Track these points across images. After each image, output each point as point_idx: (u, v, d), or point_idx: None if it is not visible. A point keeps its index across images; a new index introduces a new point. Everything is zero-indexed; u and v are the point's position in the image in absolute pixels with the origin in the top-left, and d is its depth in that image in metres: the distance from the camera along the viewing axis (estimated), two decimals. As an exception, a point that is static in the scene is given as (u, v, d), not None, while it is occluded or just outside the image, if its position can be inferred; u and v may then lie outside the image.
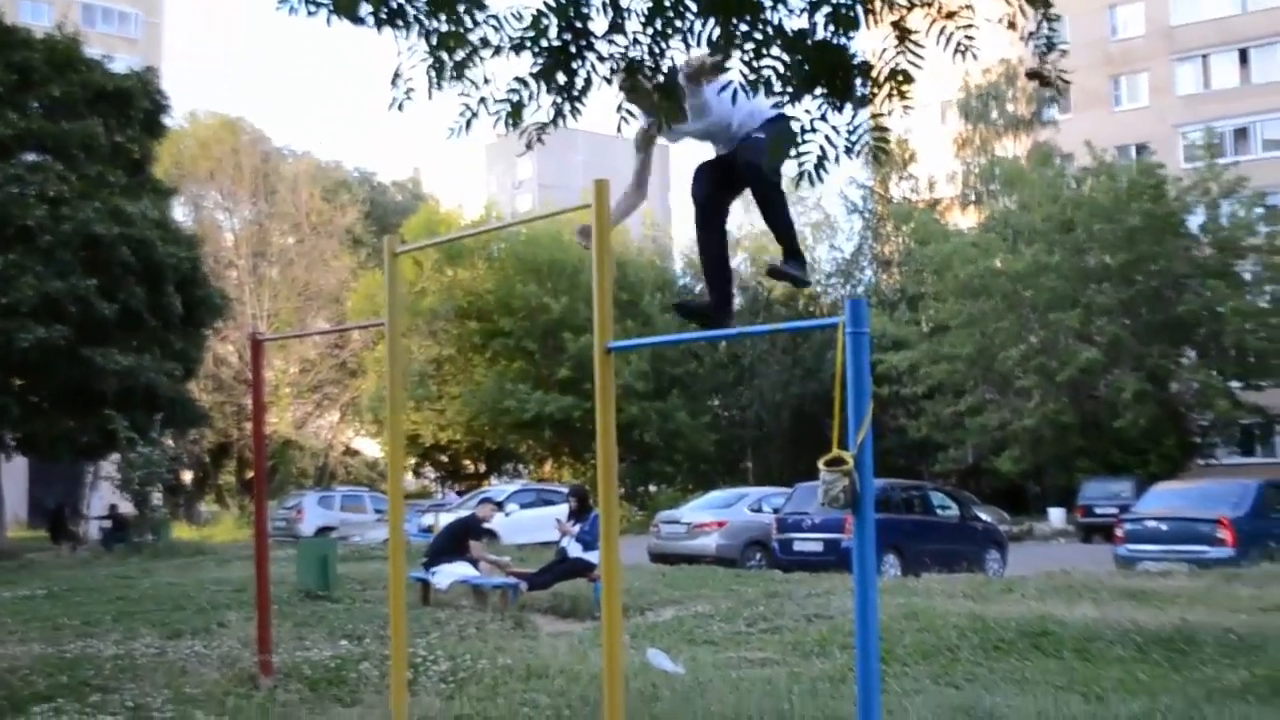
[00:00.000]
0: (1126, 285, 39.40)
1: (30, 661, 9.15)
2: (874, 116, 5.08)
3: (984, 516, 25.96)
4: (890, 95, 5.04)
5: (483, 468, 58.16)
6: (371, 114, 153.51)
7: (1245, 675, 8.27)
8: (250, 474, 52.71)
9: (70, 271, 26.21)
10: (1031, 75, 5.46)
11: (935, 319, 42.81)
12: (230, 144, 51.18)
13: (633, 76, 5.04)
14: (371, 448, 58.33)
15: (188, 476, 49.87)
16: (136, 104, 29.70)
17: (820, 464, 4.07)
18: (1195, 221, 40.57)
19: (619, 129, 5.32)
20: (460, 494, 42.36)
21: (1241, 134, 49.65)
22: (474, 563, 14.21)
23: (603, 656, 4.87)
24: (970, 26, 5.06)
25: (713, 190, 5.90)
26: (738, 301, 46.04)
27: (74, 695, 7.94)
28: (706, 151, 5.99)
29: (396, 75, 5.00)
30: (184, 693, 7.95)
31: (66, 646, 10.13)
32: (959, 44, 5.07)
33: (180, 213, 38.90)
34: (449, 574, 13.95)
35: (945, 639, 9.88)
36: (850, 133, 5.01)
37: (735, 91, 4.95)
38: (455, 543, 14.46)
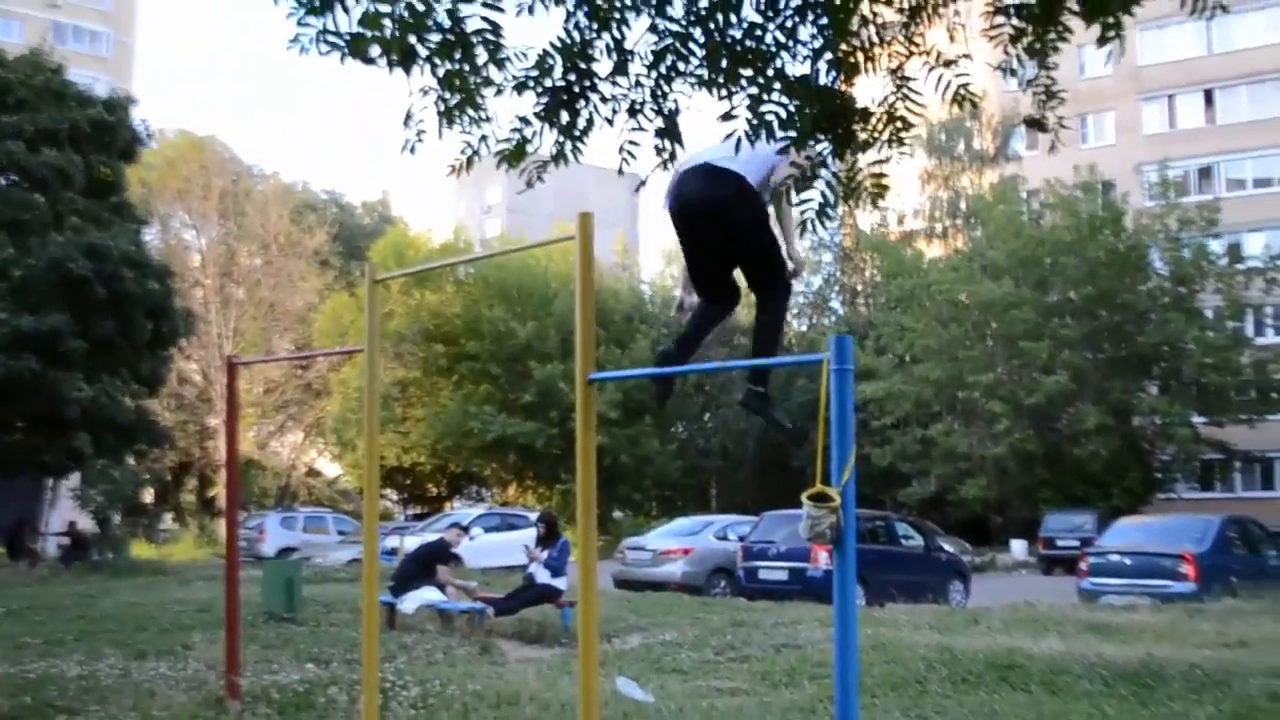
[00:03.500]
0: (1090, 319, 39.82)
1: (-7, 682, 9.05)
2: (874, 163, 5.13)
3: (947, 547, 26.07)
4: (890, 141, 5.10)
5: (445, 490, 57.96)
6: (340, 134, 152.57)
7: (1212, 710, 8.34)
8: (211, 493, 52.49)
9: (41, 306, 25.72)
10: (1030, 123, 5.47)
11: (905, 347, 43.05)
12: (199, 163, 50.90)
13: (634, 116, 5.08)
14: (333, 468, 58.00)
15: (148, 495, 49.42)
16: (117, 134, 29.31)
17: (804, 498, 4.09)
18: (1157, 256, 41.03)
19: (620, 170, 5.35)
20: (419, 518, 42.18)
21: (1205, 173, 50.25)
22: (442, 587, 14.16)
23: (577, 685, 4.87)
24: (966, 75, 5.14)
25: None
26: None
27: (39, 717, 7.88)
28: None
29: (408, 117, 5.00)
30: (151, 715, 7.89)
31: (29, 666, 10.02)
32: (957, 91, 5.14)
33: (148, 233, 38.42)
34: (416, 599, 13.89)
35: (914, 671, 9.90)
36: (849, 178, 5.06)
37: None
38: (423, 567, 14.40)
